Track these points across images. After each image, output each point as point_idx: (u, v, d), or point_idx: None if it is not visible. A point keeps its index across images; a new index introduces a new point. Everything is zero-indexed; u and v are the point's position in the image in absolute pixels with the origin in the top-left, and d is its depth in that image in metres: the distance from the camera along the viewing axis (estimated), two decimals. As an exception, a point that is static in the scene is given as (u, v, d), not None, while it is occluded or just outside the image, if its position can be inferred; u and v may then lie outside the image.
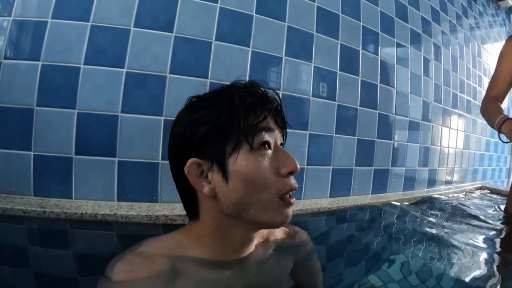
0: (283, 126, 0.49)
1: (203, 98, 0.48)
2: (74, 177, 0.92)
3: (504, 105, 2.48)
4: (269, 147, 0.45)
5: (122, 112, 0.94)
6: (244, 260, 0.48)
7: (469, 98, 2.05)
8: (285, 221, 0.45)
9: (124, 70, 0.95)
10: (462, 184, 2.05)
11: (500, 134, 0.99)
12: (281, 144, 0.49)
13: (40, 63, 0.91)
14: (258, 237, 0.53)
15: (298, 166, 0.45)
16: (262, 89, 0.47)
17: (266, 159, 0.44)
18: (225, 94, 0.46)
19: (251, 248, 0.50)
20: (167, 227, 0.86)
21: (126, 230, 0.84)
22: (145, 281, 0.39)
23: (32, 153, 0.90)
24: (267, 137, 0.44)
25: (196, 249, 0.46)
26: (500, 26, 2.56)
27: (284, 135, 0.50)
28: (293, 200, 0.45)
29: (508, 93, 1.15)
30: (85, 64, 0.93)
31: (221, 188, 0.43)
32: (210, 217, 0.46)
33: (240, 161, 0.43)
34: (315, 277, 0.61)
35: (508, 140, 0.96)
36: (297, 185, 0.46)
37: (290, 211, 0.46)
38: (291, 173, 0.45)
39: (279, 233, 0.59)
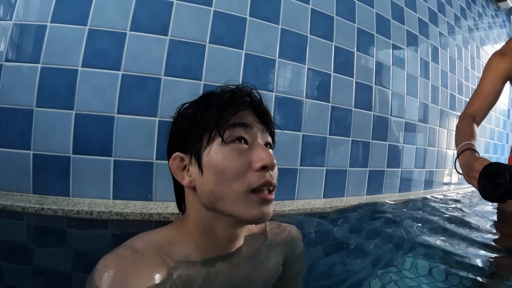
0: (267, 125, 0.49)
1: (192, 101, 0.51)
2: (72, 175, 0.95)
3: (504, 106, 2.48)
4: (245, 143, 0.46)
5: (118, 113, 0.97)
6: (232, 255, 0.49)
7: (467, 100, 2.04)
8: (261, 217, 0.45)
9: (121, 73, 0.98)
10: (460, 186, 2.05)
11: (457, 162, 0.88)
12: (268, 144, 0.49)
13: (39, 65, 0.95)
14: (246, 232, 0.54)
15: (274, 161, 0.45)
16: (247, 89, 0.49)
17: (239, 152, 0.45)
18: (207, 95, 0.49)
19: (239, 243, 0.51)
20: (161, 225, 0.88)
21: (120, 227, 0.87)
22: (134, 274, 0.40)
23: (31, 152, 0.94)
24: (241, 132, 0.45)
25: (185, 243, 0.47)
26: (500, 27, 2.55)
27: (271, 135, 0.50)
28: (270, 196, 0.45)
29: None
30: (82, 66, 0.96)
31: (198, 180, 0.46)
32: (193, 209, 0.48)
33: (212, 153, 0.45)
34: (297, 278, 0.62)
35: (461, 172, 0.85)
36: (274, 181, 0.46)
37: (268, 208, 0.45)
38: (265, 168, 0.45)
39: (268, 229, 0.60)
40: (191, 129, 0.47)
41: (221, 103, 0.46)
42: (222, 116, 0.45)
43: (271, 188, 0.46)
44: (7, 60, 0.95)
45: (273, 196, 0.46)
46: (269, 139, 0.49)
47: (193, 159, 0.46)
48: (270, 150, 0.48)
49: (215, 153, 0.45)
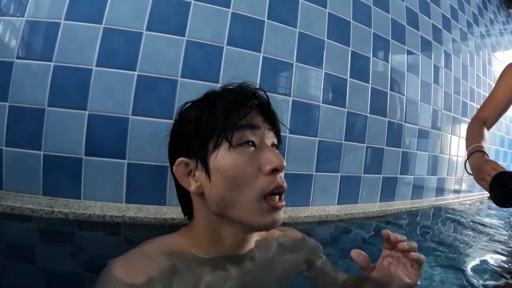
0: (274, 126, 0.48)
1: (194, 101, 0.50)
2: (83, 177, 0.92)
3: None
4: (253, 145, 0.45)
5: (132, 114, 0.94)
6: (242, 259, 0.48)
7: (479, 107, 2.02)
8: (272, 225, 0.44)
9: (136, 73, 0.95)
10: (471, 194, 2.02)
11: (467, 163, 0.92)
12: (274, 145, 0.48)
13: (52, 63, 0.92)
14: (257, 236, 0.53)
15: (284, 163, 0.44)
16: (251, 88, 0.47)
17: (247, 156, 0.43)
18: (211, 96, 0.47)
19: (249, 247, 0.50)
20: (174, 230, 0.86)
21: (133, 232, 0.84)
22: (142, 279, 0.39)
23: (42, 153, 0.91)
24: (249, 135, 0.44)
25: (194, 248, 0.46)
26: (511, 34, 2.53)
27: (277, 135, 0.49)
28: (281, 203, 0.44)
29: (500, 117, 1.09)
30: (97, 66, 0.93)
31: (206, 186, 0.45)
32: (201, 216, 0.47)
33: (220, 158, 0.43)
34: (328, 270, 0.60)
35: (471, 173, 0.88)
36: (285, 184, 0.45)
37: (279, 215, 0.45)
38: (276, 171, 0.44)
39: (279, 233, 0.59)
40: (195, 134, 0.45)
41: (227, 107, 0.44)
42: (229, 121, 0.43)
43: (282, 191, 0.45)
44: (18, 57, 0.92)
45: (283, 203, 0.45)
46: (275, 140, 0.49)
47: (199, 164, 0.45)
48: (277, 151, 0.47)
49: (223, 158, 0.43)
